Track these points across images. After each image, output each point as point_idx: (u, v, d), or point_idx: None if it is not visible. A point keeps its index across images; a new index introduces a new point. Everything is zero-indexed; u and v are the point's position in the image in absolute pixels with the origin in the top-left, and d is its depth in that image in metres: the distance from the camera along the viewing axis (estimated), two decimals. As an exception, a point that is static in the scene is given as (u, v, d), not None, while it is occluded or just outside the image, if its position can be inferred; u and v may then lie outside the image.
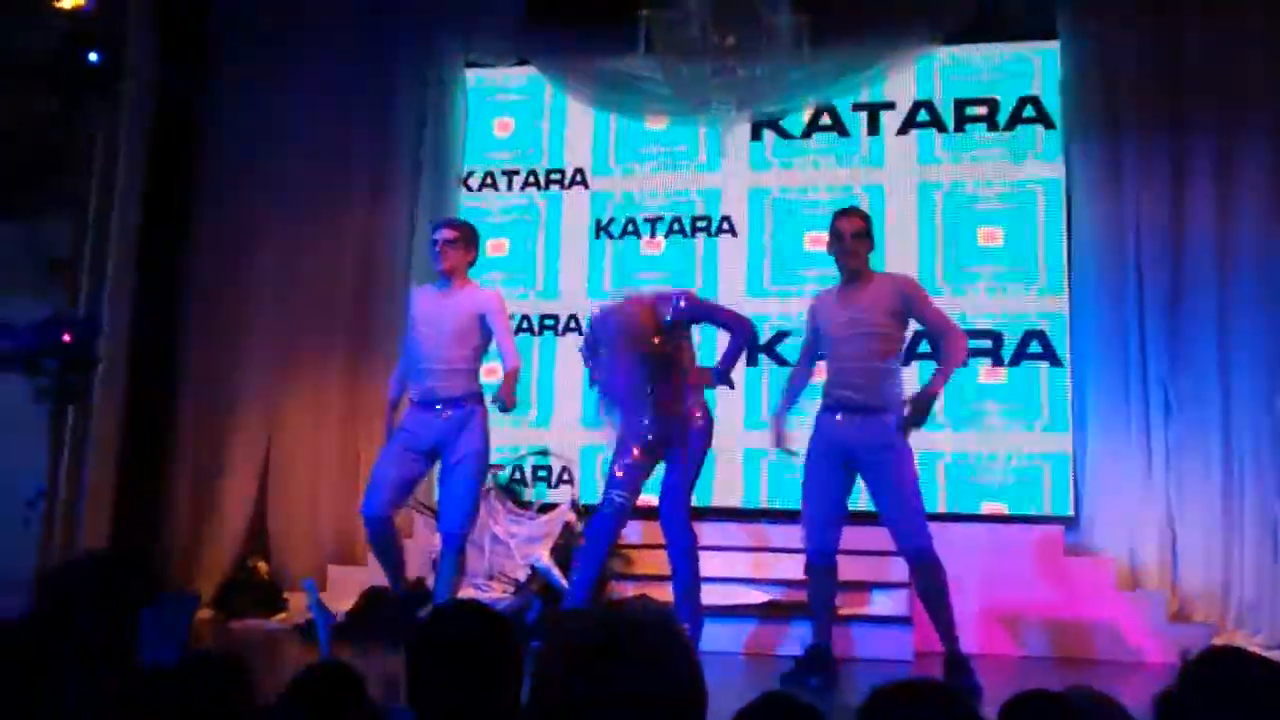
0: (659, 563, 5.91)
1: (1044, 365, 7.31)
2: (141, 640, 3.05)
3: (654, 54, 6.83)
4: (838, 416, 5.35)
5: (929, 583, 5.31)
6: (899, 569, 6.49)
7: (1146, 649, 6.30)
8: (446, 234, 5.64)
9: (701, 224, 7.86)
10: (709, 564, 6.33)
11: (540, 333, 7.94)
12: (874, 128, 7.75)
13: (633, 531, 6.33)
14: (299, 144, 8.03)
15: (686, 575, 5.41)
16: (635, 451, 5.46)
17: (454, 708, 2.18)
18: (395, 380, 5.85)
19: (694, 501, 5.62)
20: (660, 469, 5.53)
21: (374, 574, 7.13)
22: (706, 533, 6.49)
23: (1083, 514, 7.05)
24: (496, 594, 6.61)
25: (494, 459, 6.29)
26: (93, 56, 6.83)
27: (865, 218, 5.50)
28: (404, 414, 5.69)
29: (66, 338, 6.69)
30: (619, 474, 5.46)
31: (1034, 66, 7.58)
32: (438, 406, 5.53)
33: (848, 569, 6.32)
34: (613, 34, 7.12)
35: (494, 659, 2.23)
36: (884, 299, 5.34)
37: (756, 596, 6.63)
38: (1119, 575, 6.76)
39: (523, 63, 8.12)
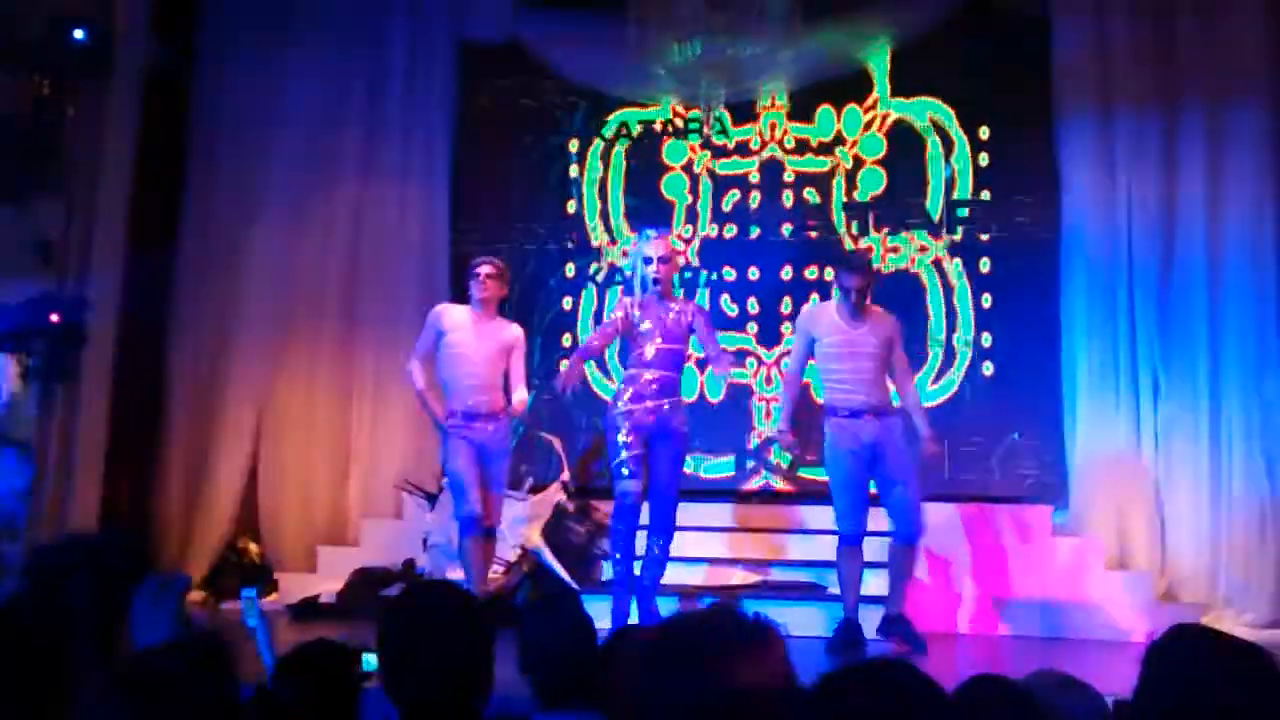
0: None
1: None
2: (133, 622, 3.04)
3: (646, 33, 6.80)
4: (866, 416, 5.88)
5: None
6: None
7: (1135, 629, 6.33)
8: (489, 269, 6.20)
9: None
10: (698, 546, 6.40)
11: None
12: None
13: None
14: (290, 124, 7.98)
15: (660, 563, 6.01)
16: (633, 442, 5.93)
17: (425, 686, 2.18)
18: (418, 372, 6.23)
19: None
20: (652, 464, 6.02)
21: (363, 555, 7.16)
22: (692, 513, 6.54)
23: (1072, 494, 7.08)
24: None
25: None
26: (79, 34, 6.79)
27: (868, 262, 6.29)
28: (456, 422, 6.10)
29: (55, 317, 6.67)
30: (626, 467, 5.96)
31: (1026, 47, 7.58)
32: (481, 417, 6.10)
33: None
34: (604, 13, 7.09)
35: (464, 637, 2.23)
36: (881, 330, 5.93)
37: (743, 577, 6.71)
38: (1108, 555, 6.79)
39: (514, 39, 8.07)
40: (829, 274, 7.21)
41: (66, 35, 6.85)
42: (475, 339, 6.14)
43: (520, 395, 6.21)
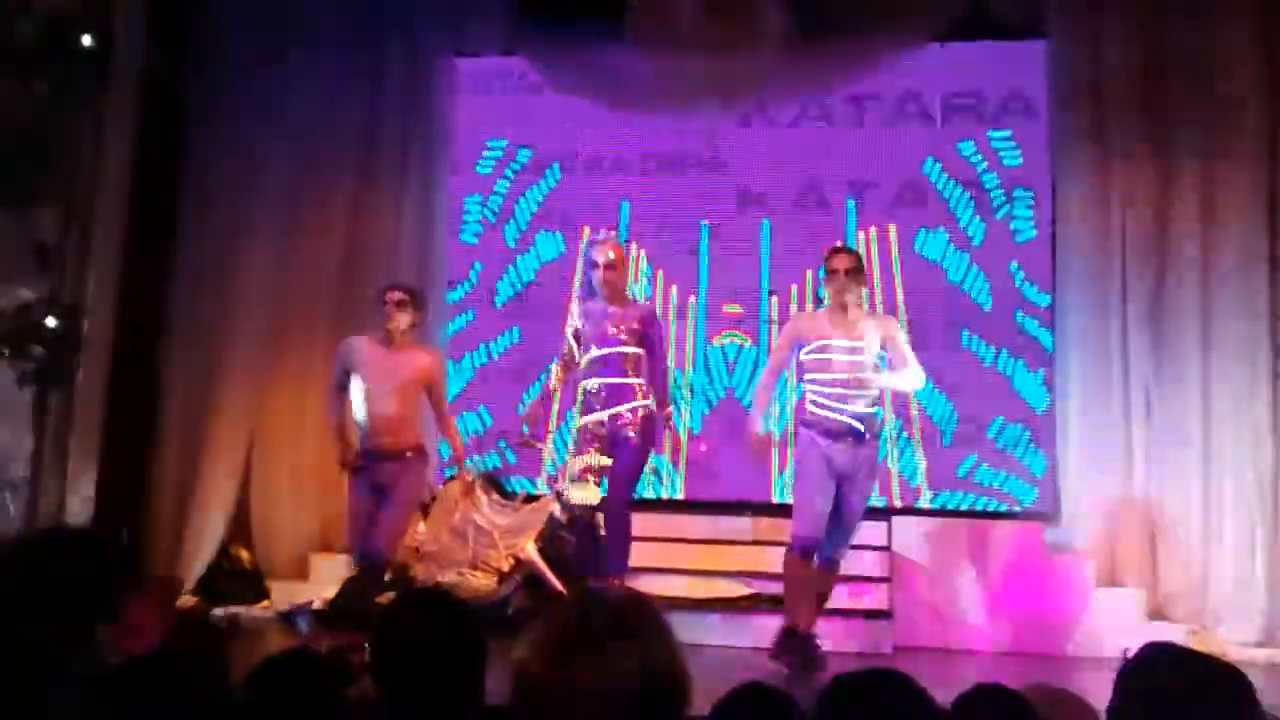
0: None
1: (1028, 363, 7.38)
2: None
3: (642, 46, 6.82)
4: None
5: None
6: (881, 564, 6.56)
7: (1123, 646, 6.32)
8: (397, 296, 5.85)
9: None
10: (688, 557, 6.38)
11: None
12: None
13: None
14: (287, 134, 7.97)
15: (617, 553, 5.85)
16: (595, 446, 5.90)
17: (416, 693, 2.19)
18: (333, 411, 5.99)
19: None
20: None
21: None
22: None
23: (1063, 511, 7.09)
24: (479, 584, 6.60)
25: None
26: (86, 40, 6.80)
27: (858, 256, 5.77)
28: (361, 462, 5.85)
29: (51, 322, 6.69)
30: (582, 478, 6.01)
31: (1022, 64, 7.60)
32: (383, 456, 5.78)
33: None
34: (602, 26, 7.10)
35: (455, 646, 2.23)
36: (877, 331, 5.64)
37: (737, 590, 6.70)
38: (1098, 572, 6.79)
39: (511, 53, 8.09)
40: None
41: (65, 40, 6.86)
42: (384, 376, 5.75)
43: (456, 440, 6.07)
